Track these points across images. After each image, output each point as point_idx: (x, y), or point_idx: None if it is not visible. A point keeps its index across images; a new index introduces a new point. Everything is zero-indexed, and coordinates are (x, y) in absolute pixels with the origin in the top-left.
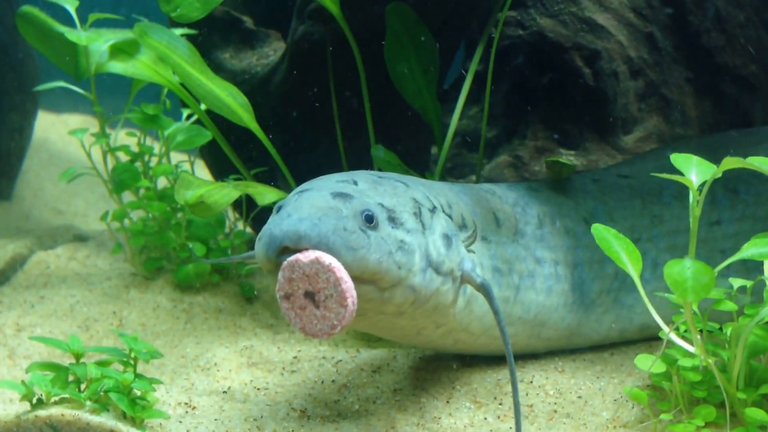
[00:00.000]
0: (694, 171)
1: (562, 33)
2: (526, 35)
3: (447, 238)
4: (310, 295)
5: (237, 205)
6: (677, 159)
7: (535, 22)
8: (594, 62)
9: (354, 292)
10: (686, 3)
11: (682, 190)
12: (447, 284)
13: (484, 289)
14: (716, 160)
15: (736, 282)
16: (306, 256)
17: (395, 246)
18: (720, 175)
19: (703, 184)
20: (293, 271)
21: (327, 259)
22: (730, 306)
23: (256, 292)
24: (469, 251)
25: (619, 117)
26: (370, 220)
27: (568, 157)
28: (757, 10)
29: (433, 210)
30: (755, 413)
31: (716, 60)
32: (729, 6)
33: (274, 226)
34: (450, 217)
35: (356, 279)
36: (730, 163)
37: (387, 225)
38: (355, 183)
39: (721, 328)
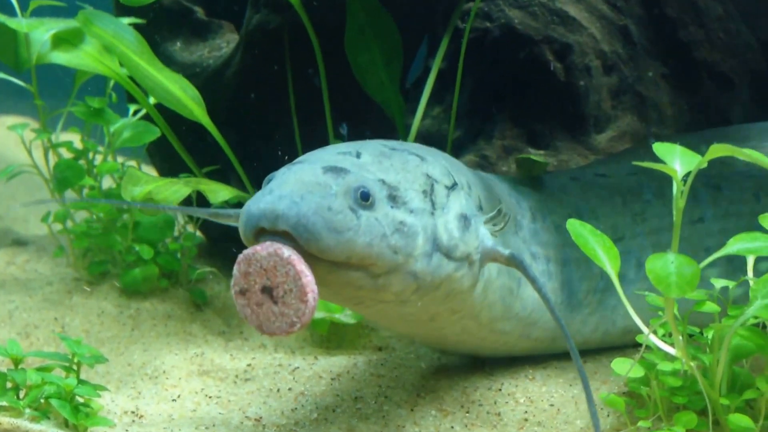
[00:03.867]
0: (678, 160)
1: (532, 25)
2: (493, 28)
3: (464, 219)
4: (267, 291)
5: (187, 205)
6: (659, 148)
7: (503, 14)
8: (565, 56)
9: (315, 287)
10: None
11: (663, 187)
12: (462, 270)
13: (515, 260)
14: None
15: (718, 283)
16: (264, 248)
17: (391, 228)
18: (705, 165)
19: (687, 175)
20: (249, 264)
21: (286, 251)
22: (712, 307)
23: (207, 299)
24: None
25: (591, 115)
26: (365, 197)
27: (537, 157)
28: (736, 2)
29: (452, 187)
30: (739, 419)
31: (694, 55)
32: None
33: (254, 202)
34: (469, 195)
35: (343, 264)
36: (718, 150)
37: (385, 204)
38: (358, 155)
39: (701, 332)
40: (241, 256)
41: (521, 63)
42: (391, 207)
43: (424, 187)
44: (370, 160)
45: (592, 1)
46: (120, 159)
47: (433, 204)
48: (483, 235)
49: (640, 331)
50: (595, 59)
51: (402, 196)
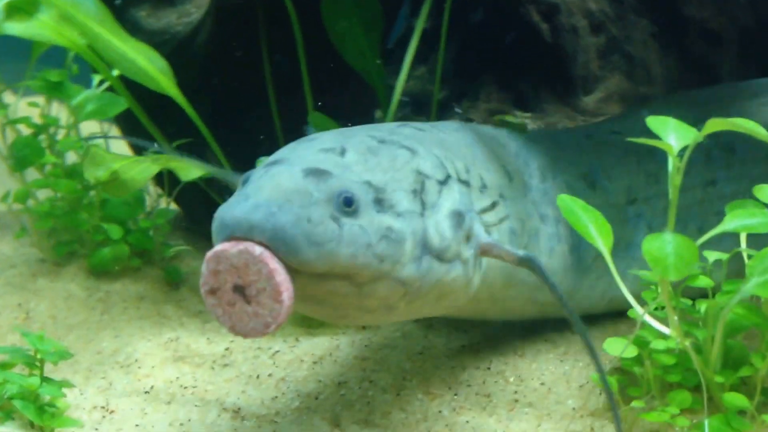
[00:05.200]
0: (673, 135)
1: None
2: None
3: (457, 217)
4: (239, 290)
5: (158, 179)
6: (654, 121)
7: None
8: (552, 17)
9: (290, 285)
10: None
11: None
12: (455, 270)
13: (530, 263)
14: (709, 115)
15: (712, 256)
16: (234, 246)
17: (377, 235)
18: (702, 139)
19: (684, 149)
20: (219, 262)
21: (257, 248)
22: (706, 282)
23: (182, 276)
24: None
25: (579, 76)
26: (348, 203)
27: (523, 119)
28: None
29: (444, 182)
30: (734, 398)
31: (683, 12)
32: None
33: (227, 209)
34: (467, 183)
35: (324, 275)
36: (715, 125)
37: (371, 209)
38: (343, 152)
39: (693, 304)
40: (209, 254)
41: (507, 24)
42: (377, 212)
43: (413, 186)
44: (355, 159)
45: None
46: (90, 127)
47: (423, 204)
48: (479, 231)
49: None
50: (582, 19)
51: (389, 199)
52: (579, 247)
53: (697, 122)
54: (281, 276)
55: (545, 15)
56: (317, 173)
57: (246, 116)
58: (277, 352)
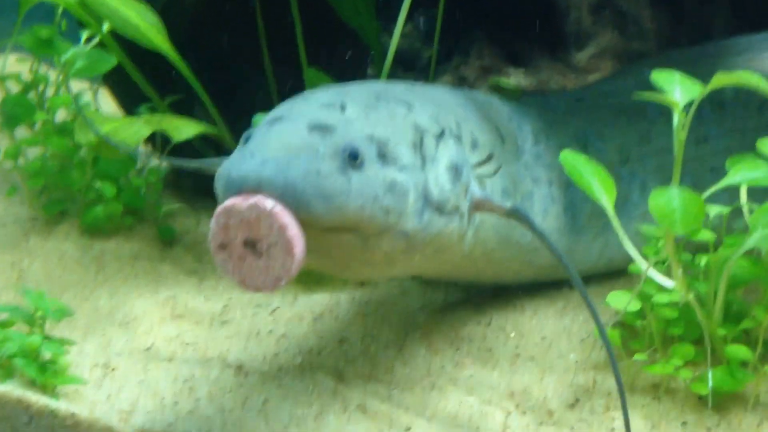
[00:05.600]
0: (679, 89)
1: None
2: None
3: (454, 170)
4: (250, 244)
5: (149, 137)
6: (659, 76)
7: None
8: None
9: (302, 240)
10: None
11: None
12: (453, 223)
13: (518, 214)
14: (699, 73)
15: (713, 210)
16: (245, 200)
17: (383, 188)
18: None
19: (689, 105)
20: (229, 217)
21: (269, 202)
22: (707, 235)
23: (176, 235)
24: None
25: (571, 32)
26: (354, 157)
27: (516, 76)
28: None
29: (440, 135)
30: (738, 350)
31: None
32: None
33: (234, 166)
34: (459, 138)
35: (333, 228)
36: (721, 80)
37: (375, 162)
38: (343, 108)
39: (693, 258)
40: (219, 209)
41: None
42: (382, 165)
43: (414, 139)
44: (356, 113)
45: None
46: (79, 85)
47: (422, 158)
48: (473, 186)
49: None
50: None
51: (392, 152)
52: (572, 207)
53: None
54: (293, 230)
55: None
56: (322, 128)
57: (238, 73)
58: (277, 308)
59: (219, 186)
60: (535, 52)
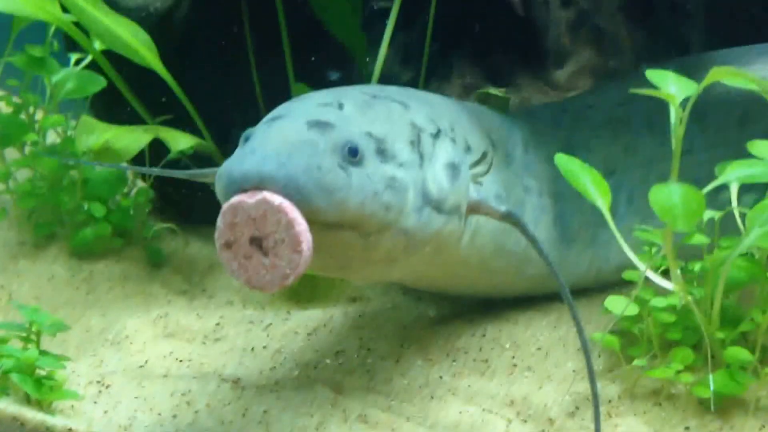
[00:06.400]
0: (674, 86)
1: None
2: None
3: (452, 168)
4: (256, 242)
5: (139, 160)
6: (653, 75)
7: None
8: None
9: (309, 236)
10: None
11: (653, 117)
12: (452, 222)
13: (512, 217)
14: None
15: (706, 214)
16: (251, 197)
17: (383, 184)
18: (701, 91)
19: (685, 101)
20: (236, 214)
21: (276, 198)
22: (701, 239)
23: (164, 257)
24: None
25: (550, 50)
26: (354, 153)
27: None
28: None
29: (436, 135)
30: (738, 352)
31: None
32: None
33: (235, 163)
34: (454, 141)
35: (334, 225)
36: (719, 74)
37: (375, 159)
38: (341, 106)
39: (685, 265)
40: (226, 206)
41: None
42: (381, 162)
43: (411, 137)
44: (354, 111)
45: None
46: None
47: (420, 155)
48: (470, 187)
49: (634, 268)
50: None
51: (390, 149)
52: (562, 217)
53: None
54: (301, 225)
55: None
56: (321, 125)
57: (226, 90)
58: (270, 324)
59: (220, 185)
60: (516, 71)
